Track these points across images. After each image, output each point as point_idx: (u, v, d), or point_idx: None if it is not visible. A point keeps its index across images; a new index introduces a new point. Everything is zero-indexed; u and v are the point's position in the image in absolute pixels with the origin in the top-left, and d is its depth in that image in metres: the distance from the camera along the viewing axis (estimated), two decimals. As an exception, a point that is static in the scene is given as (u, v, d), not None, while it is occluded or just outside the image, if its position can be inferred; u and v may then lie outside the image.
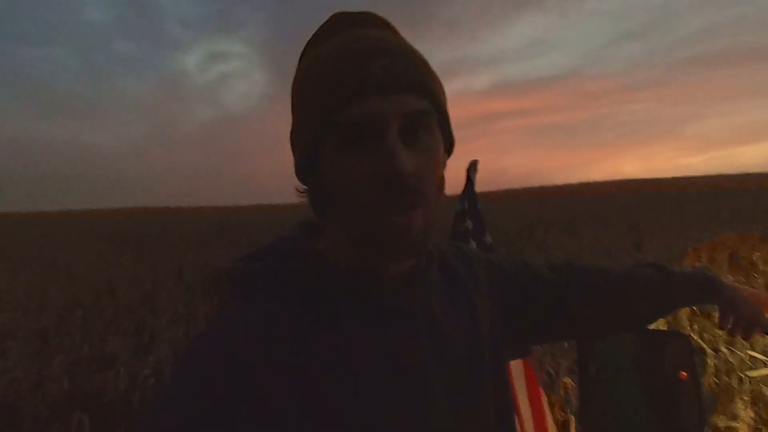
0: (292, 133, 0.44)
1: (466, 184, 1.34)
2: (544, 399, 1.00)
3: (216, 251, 11.74)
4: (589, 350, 0.61)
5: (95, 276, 9.86)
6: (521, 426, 0.99)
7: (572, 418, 1.87)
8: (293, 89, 0.44)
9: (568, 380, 2.20)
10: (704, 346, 3.91)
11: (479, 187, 1.36)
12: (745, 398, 2.45)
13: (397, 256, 0.42)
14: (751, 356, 2.42)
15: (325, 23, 0.44)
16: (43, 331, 5.01)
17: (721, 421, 2.22)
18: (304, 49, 0.45)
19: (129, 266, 10.71)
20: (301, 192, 0.46)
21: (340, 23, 0.43)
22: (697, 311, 4.97)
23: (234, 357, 0.37)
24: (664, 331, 0.64)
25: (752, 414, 2.33)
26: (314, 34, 0.44)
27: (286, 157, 0.45)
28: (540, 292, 0.58)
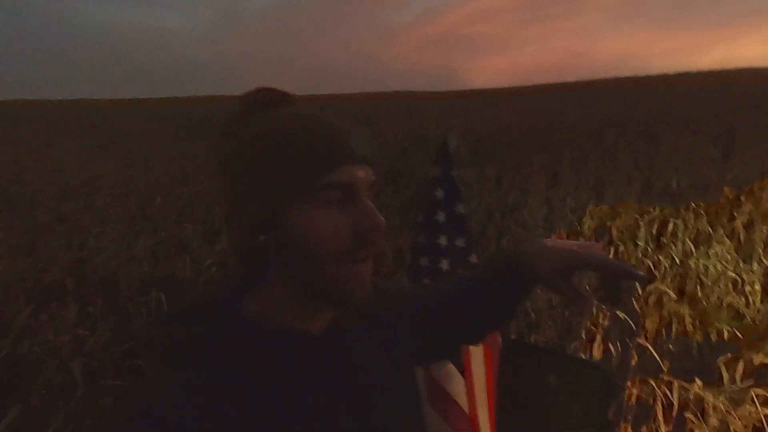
0: (241, 193, 0.47)
1: (441, 146, 1.28)
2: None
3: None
4: (551, 361, 0.60)
5: (170, 164, 10.74)
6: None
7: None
8: (242, 154, 0.47)
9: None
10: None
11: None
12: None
13: (347, 304, 0.47)
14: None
15: (252, 98, 0.50)
16: (129, 217, 5.71)
17: (760, 357, 2.15)
18: (240, 118, 0.50)
19: (200, 155, 11.48)
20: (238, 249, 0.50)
21: (274, 100, 0.50)
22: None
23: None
24: (587, 361, 0.64)
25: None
26: (247, 108, 0.50)
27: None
28: (431, 310, 0.66)
